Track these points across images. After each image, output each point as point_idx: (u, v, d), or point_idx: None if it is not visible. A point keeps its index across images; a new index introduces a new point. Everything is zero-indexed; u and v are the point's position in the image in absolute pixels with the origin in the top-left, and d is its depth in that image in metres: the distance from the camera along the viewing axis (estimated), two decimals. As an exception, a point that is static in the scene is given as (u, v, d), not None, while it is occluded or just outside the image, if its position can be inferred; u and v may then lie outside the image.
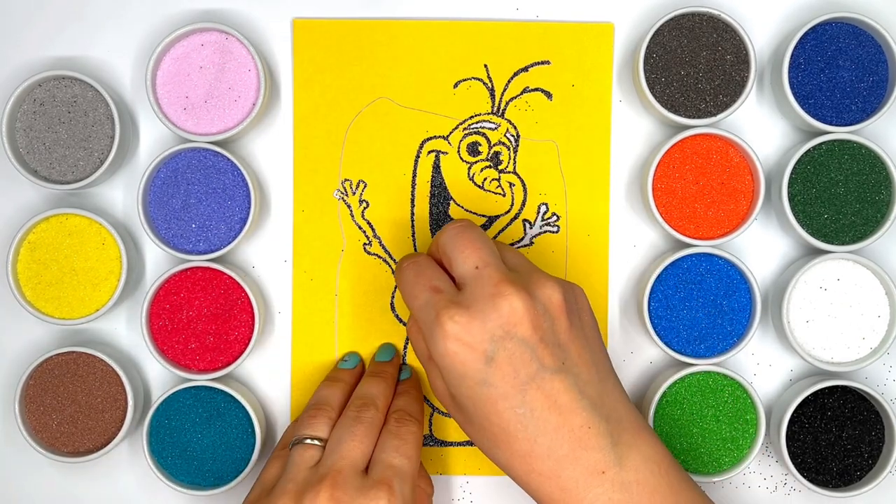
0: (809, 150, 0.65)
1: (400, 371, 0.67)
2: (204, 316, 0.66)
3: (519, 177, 0.68)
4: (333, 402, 0.63)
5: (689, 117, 0.65)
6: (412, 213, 0.68)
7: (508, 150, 0.68)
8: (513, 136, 0.68)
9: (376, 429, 0.60)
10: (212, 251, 0.66)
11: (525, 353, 0.54)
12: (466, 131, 0.68)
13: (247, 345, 0.66)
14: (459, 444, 0.68)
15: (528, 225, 0.68)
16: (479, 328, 0.54)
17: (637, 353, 0.69)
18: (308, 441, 0.60)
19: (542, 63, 0.68)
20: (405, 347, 0.69)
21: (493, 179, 0.68)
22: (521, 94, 0.68)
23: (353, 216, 0.68)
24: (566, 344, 0.56)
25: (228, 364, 0.66)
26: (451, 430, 0.68)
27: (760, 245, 0.69)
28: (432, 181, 0.68)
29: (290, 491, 0.57)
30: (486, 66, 0.68)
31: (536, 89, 0.68)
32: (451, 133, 0.68)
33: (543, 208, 0.68)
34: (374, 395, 0.63)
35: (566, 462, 0.54)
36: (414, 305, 0.58)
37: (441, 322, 0.55)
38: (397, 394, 0.65)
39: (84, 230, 0.66)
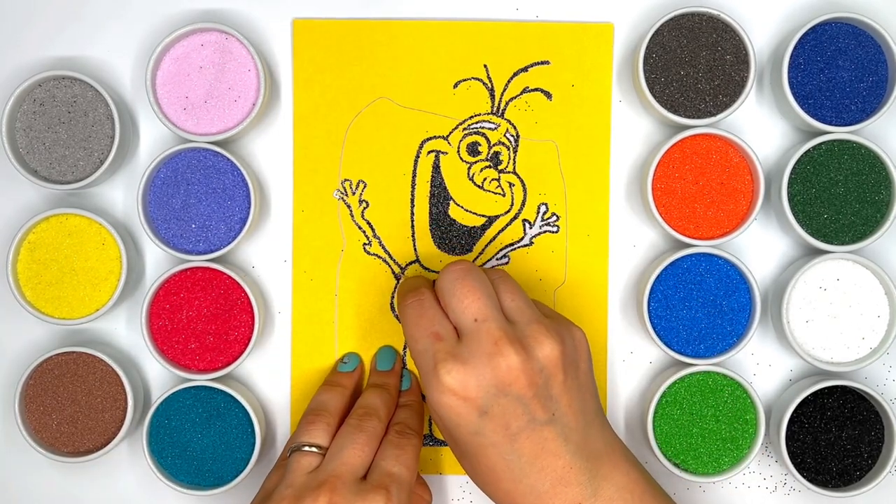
0: (809, 150, 0.65)
1: (401, 379, 0.68)
2: (204, 316, 0.66)
3: (519, 177, 0.68)
4: (332, 407, 0.63)
5: (688, 117, 0.65)
6: (412, 214, 0.68)
7: (508, 150, 0.68)
8: (512, 136, 0.68)
9: (377, 439, 0.61)
10: (212, 251, 0.66)
11: (518, 407, 0.56)
12: (466, 131, 0.68)
13: (247, 345, 0.66)
14: (459, 444, 0.68)
15: (527, 225, 0.68)
16: (475, 384, 0.56)
17: (637, 353, 0.69)
18: (306, 448, 0.60)
19: (542, 63, 0.68)
20: (405, 348, 0.69)
21: (492, 179, 0.68)
22: (521, 94, 0.68)
23: (352, 216, 0.68)
24: (558, 396, 0.58)
25: (228, 364, 0.66)
26: (450, 430, 0.68)
27: (760, 245, 0.69)
28: (432, 181, 0.68)
29: (288, 496, 0.58)
30: (485, 66, 0.68)
31: (536, 89, 0.68)
32: (450, 133, 0.68)
33: (543, 208, 0.68)
34: (377, 406, 0.63)
35: (546, 497, 0.57)
36: (413, 348, 0.59)
37: (438, 374, 0.56)
38: (399, 406, 0.66)
39: (84, 230, 0.66)
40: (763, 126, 0.69)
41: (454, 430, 0.57)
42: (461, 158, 0.68)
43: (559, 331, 0.58)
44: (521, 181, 0.68)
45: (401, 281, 0.68)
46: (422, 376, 0.58)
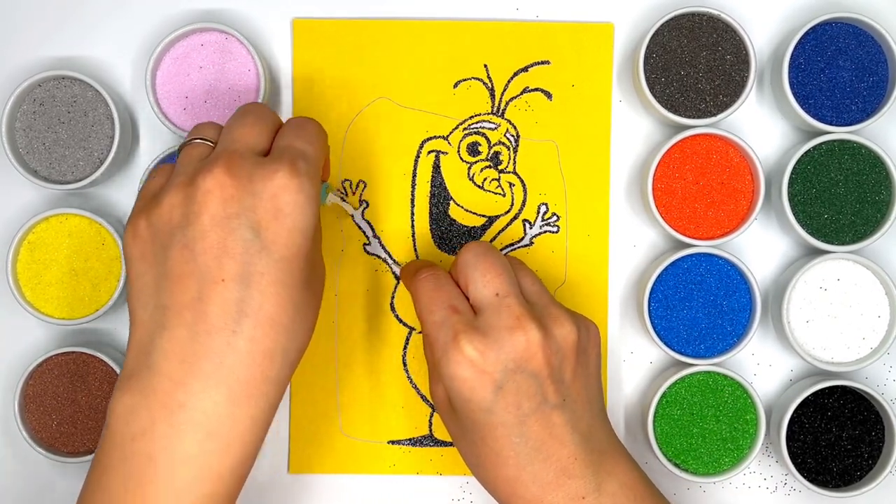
0: (809, 150, 0.65)
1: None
2: (204, 316, 0.66)
3: (519, 177, 0.68)
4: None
5: (689, 117, 0.65)
6: (412, 214, 0.68)
7: (508, 150, 0.68)
8: (513, 136, 0.68)
9: (270, 121, 0.56)
10: (212, 251, 0.66)
11: (532, 387, 0.56)
12: (466, 131, 0.68)
13: (247, 345, 0.66)
14: (459, 444, 0.68)
15: (528, 225, 0.68)
16: (493, 357, 0.55)
17: (637, 353, 0.69)
18: (198, 141, 0.56)
19: (542, 63, 0.68)
20: (405, 348, 0.68)
21: (492, 179, 0.68)
22: (521, 94, 0.68)
23: (353, 216, 0.68)
24: (570, 382, 0.57)
25: (228, 364, 0.66)
26: (451, 430, 0.68)
27: (760, 245, 0.69)
28: (432, 181, 0.68)
29: (180, 183, 0.53)
30: (486, 66, 0.68)
31: (536, 89, 0.68)
32: (451, 133, 0.68)
33: (543, 208, 0.68)
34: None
35: (549, 488, 0.56)
36: (428, 320, 0.58)
37: (459, 345, 0.55)
38: None
39: (84, 230, 0.66)
40: (763, 126, 0.69)
41: (465, 407, 0.56)
42: (461, 158, 0.68)
43: (575, 318, 0.58)
44: (522, 181, 0.68)
45: (404, 265, 0.67)
46: (436, 350, 0.57)
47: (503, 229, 0.68)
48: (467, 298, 0.58)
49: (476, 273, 0.58)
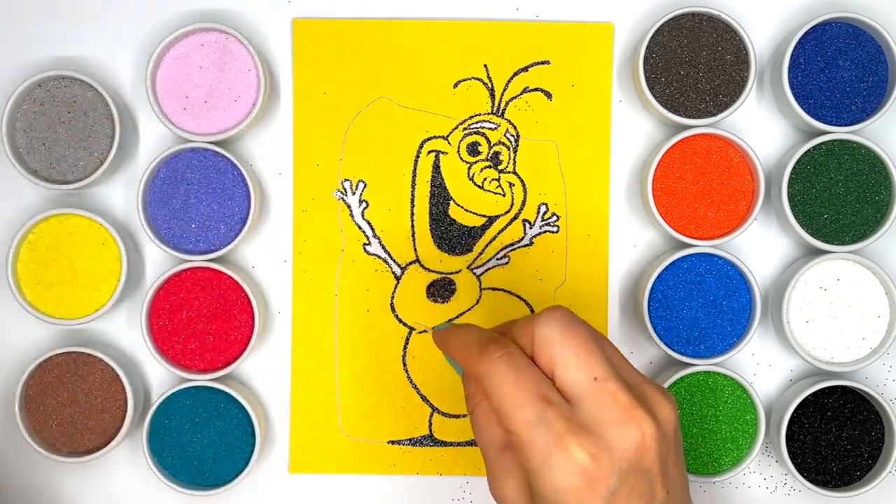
0: (809, 150, 0.65)
1: None
2: (204, 316, 0.66)
3: (519, 177, 0.68)
4: None
5: (688, 117, 0.65)
6: (412, 214, 0.68)
7: (508, 150, 0.68)
8: (513, 136, 0.68)
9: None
10: (212, 251, 0.66)
11: (643, 486, 0.48)
12: (466, 131, 0.68)
13: (247, 345, 0.66)
14: (459, 444, 0.68)
15: (527, 225, 0.68)
16: (607, 460, 0.47)
17: (637, 353, 0.69)
18: None
19: (542, 63, 0.68)
20: (404, 348, 0.68)
21: (492, 179, 0.68)
22: (521, 94, 0.68)
23: (353, 216, 0.68)
24: (671, 469, 0.50)
25: (228, 364, 0.66)
26: (451, 430, 0.68)
27: (760, 245, 0.69)
28: (432, 181, 0.68)
29: None
30: (486, 66, 0.68)
31: (536, 89, 0.68)
32: (450, 133, 0.68)
33: (543, 208, 0.68)
34: None
35: None
36: (516, 417, 0.48)
37: (567, 450, 0.47)
38: None
39: (84, 230, 0.66)
40: (763, 126, 0.69)
41: None
42: (461, 158, 0.68)
43: (669, 395, 0.51)
44: (521, 181, 0.68)
45: (441, 329, 0.56)
46: (534, 456, 0.48)
47: (503, 229, 0.68)
48: (551, 379, 0.50)
49: (566, 353, 0.49)
